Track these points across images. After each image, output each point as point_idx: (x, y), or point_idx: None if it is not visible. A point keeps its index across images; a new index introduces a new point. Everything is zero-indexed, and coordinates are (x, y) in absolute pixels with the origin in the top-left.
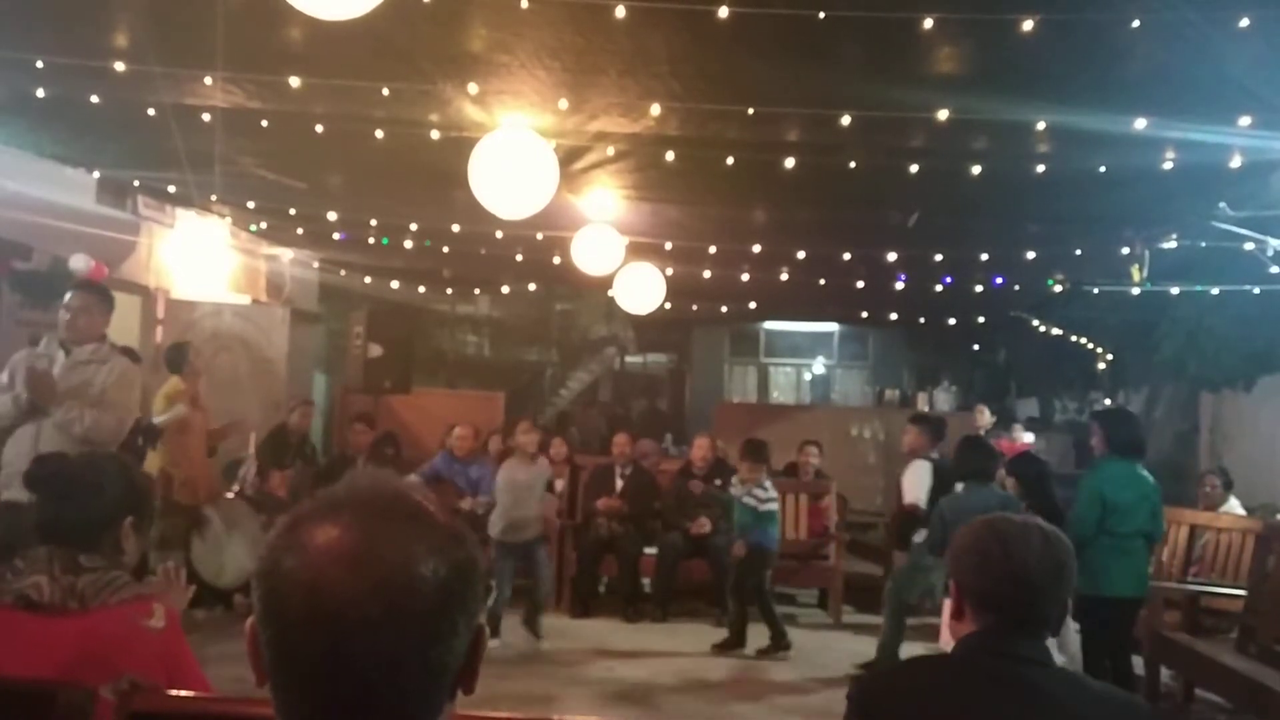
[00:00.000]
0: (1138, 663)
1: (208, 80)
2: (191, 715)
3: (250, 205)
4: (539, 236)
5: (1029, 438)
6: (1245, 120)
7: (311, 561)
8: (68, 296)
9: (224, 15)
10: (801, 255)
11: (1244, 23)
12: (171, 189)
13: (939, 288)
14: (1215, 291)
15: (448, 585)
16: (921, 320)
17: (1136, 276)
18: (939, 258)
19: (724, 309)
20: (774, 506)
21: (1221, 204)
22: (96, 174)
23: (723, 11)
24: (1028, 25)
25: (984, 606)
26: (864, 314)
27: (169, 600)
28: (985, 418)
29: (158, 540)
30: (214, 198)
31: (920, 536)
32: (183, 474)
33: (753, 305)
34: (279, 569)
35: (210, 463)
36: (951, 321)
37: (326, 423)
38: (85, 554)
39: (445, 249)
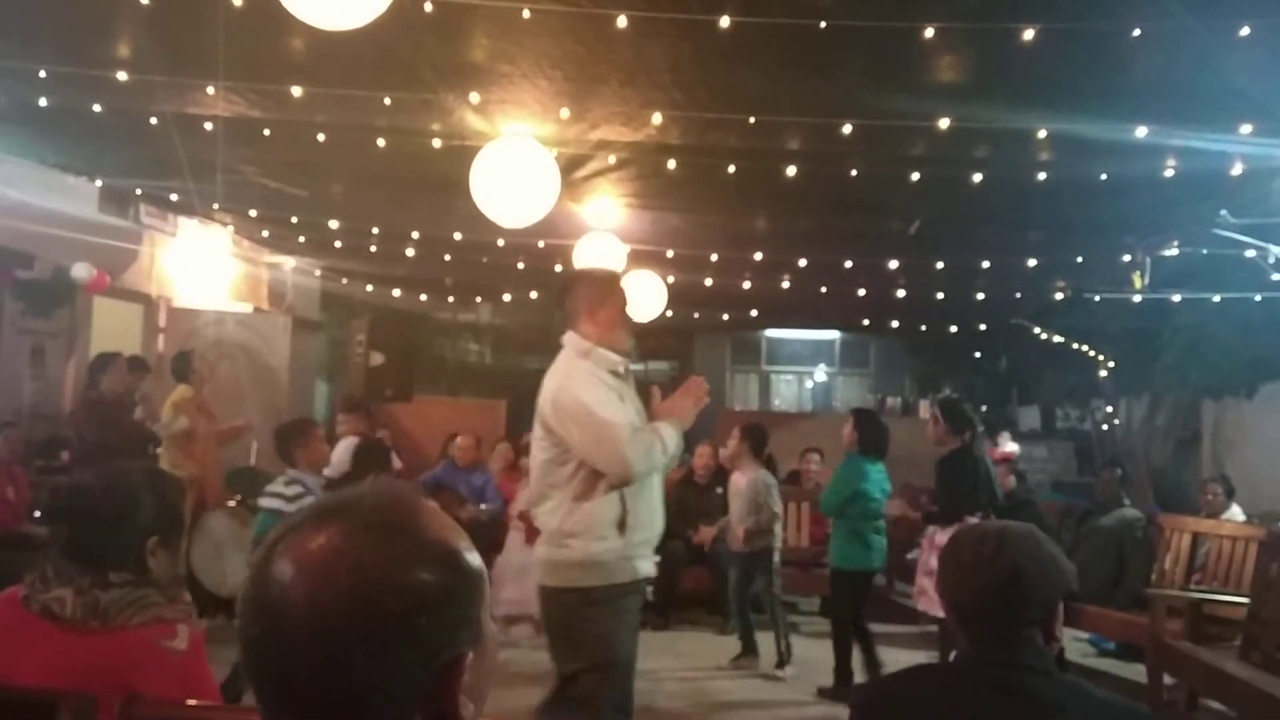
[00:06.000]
0: (1140, 670)
1: (210, 90)
2: None
3: (252, 214)
4: (540, 244)
5: (1013, 447)
6: (1246, 128)
7: (277, 562)
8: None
9: (226, 25)
10: (803, 263)
11: (1244, 31)
12: (174, 197)
13: (940, 295)
14: (1217, 299)
15: (395, 600)
16: (923, 328)
17: (1138, 284)
18: (940, 265)
19: (725, 317)
20: None
21: (1223, 211)
22: (99, 183)
23: (724, 21)
24: (1029, 34)
25: (957, 618)
26: (865, 321)
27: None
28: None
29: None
30: (216, 206)
31: None
32: (187, 479)
33: (754, 313)
34: (257, 566)
35: (217, 467)
36: (953, 329)
37: (327, 432)
38: (114, 570)
39: (447, 257)
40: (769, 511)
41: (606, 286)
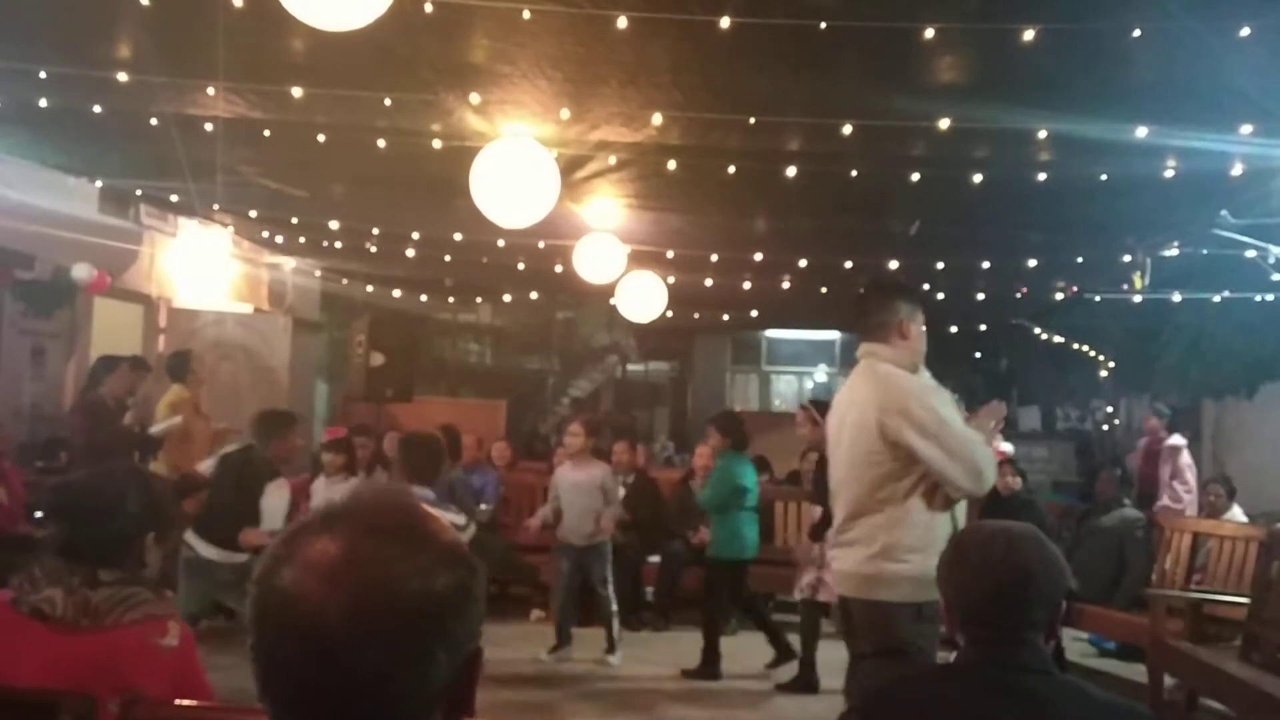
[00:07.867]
0: (1140, 670)
1: (210, 90)
2: None
3: (252, 214)
4: (541, 245)
5: (1007, 447)
6: (1246, 128)
7: (294, 572)
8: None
9: (226, 26)
10: (803, 263)
11: (1245, 31)
12: (174, 198)
13: (940, 295)
14: (1217, 299)
15: (431, 605)
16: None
17: (1138, 284)
18: (940, 266)
19: (726, 317)
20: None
21: (1223, 212)
22: (99, 183)
23: (724, 22)
24: (1029, 35)
25: (961, 619)
26: None
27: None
28: None
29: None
30: (216, 207)
31: None
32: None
33: (754, 313)
34: (266, 577)
35: None
36: (953, 329)
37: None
38: (105, 568)
39: (447, 257)
40: None
41: (919, 302)
